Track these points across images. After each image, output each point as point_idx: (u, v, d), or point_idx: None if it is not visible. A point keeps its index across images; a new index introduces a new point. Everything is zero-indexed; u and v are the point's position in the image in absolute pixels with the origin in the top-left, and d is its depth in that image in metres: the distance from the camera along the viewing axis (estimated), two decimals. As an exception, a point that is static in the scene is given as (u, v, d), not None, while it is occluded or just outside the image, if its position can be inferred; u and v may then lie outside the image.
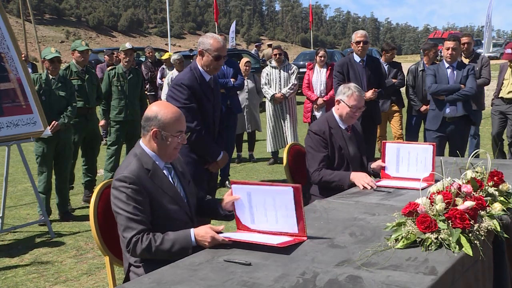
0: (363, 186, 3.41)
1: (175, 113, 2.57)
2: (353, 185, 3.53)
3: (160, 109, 2.55)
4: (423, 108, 6.78)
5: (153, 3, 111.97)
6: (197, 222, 2.62)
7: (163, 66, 10.38)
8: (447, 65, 5.63)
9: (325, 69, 7.65)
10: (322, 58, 7.69)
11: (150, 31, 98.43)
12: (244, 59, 8.48)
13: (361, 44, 5.63)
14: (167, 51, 10.53)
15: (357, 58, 5.76)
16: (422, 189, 2.41)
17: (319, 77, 7.66)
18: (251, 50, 23.07)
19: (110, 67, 6.79)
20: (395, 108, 7.52)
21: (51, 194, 5.56)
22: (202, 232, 2.37)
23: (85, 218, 5.33)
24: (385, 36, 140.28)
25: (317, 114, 7.54)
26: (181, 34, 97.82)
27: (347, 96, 3.70)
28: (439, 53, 10.71)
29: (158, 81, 10.27)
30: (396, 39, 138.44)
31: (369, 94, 5.62)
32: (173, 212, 2.54)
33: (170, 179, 2.61)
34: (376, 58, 6.48)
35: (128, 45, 6.64)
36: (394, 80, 7.24)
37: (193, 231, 2.40)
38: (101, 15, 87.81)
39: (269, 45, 18.48)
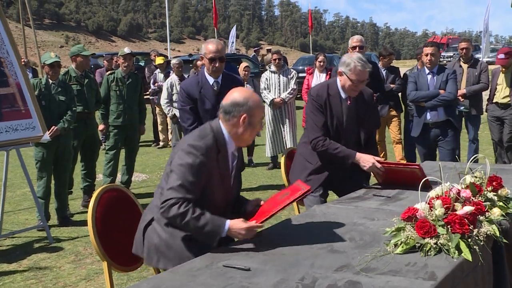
0: (368, 168, 3.46)
1: (260, 101, 2.68)
2: (355, 165, 3.55)
3: (249, 96, 2.60)
4: None
5: (152, 8, 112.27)
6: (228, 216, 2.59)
7: (156, 71, 10.35)
8: (427, 71, 5.62)
9: (324, 74, 7.68)
10: (322, 63, 7.72)
11: (150, 36, 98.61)
12: (243, 64, 8.49)
13: (357, 49, 5.62)
14: (166, 56, 10.49)
15: None
16: (421, 190, 2.40)
17: (318, 81, 7.67)
18: (250, 54, 23.10)
19: (109, 72, 6.80)
20: (394, 113, 7.53)
21: (50, 199, 5.55)
22: (237, 225, 2.39)
23: (84, 223, 5.32)
24: (384, 41, 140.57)
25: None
26: (180, 39, 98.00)
27: (349, 69, 3.55)
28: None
29: (152, 86, 10.24)
30: (395, 44, 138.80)
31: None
32: (216, 198, 2.59)
33: (230, 166, 2.65)
34: (374, 62, 6.49)
35: (127, 50, 6.66)
36: (392, 85, 7.26)
37: (228, 223, 2.40)
38: (100, 20, 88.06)
39: (268, 50, 18.49)
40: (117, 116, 6.52)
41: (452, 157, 5.41)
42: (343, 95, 3.69)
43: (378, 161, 3.51)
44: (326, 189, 3.82)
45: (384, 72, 7.27)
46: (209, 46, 4.08)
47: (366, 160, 3.52)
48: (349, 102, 3.69)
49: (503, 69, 6.88)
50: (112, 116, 6.53)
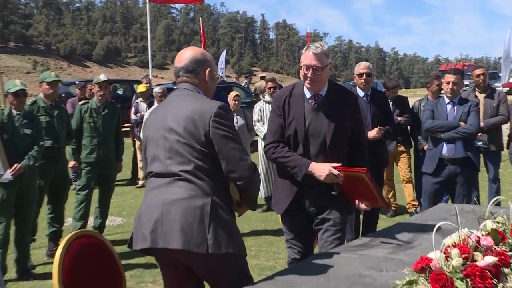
0: (325, 178, 3.38)
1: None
2: (309, 177, 3.44)
3: (204, 51, 3.08)
4: (426, 146, 6.83)
5: (132, 30, 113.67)
6: None
7: (138, 100, 10.39)
8: (447, 100, 5.68)
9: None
10: None
11: (129, 61, 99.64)
12: (233, 93, 8.56)
13: (364, 77, 5.66)
14: (146, 83, 10.55)
15: (360, 92, 5.77)
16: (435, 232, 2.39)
17: None
18: (241, 82, 23.35)
19: (82, 101, 6.82)
20: (402, 148, 7.57)
21: (7, 248, 5.39)
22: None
23: (48, 276, 5.18)
24: (392, 67, 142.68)
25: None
26: (164, 64, 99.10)
27: (302, 53, 3.55)
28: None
29: (133, 116, 10.27)
30: (403, 71, 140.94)
31: (373, 133, 5.60)
32: None
33: None
34: (382, 92, 6.55)
35: (102, 77, 6.69)
36: (399, 118, 7.26)
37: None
38: (73, 43, 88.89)
39: (262, 77, 18.69)
40: (90, 151, 6.51)
41: (470, 199, 5.41)
42: (308, 94, 3.59)
43: (335, 168, 3.40)
44: (300, 208, 3.65)
45: (390, 104, 7.29)
46: None
47: (321, 169, 3.40)
48: (313, 102, 3.57)
49: None
50: (85, 151, 6.52)
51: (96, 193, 6.75)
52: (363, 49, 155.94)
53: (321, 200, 3.58)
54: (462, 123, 5.54)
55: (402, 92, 31.27)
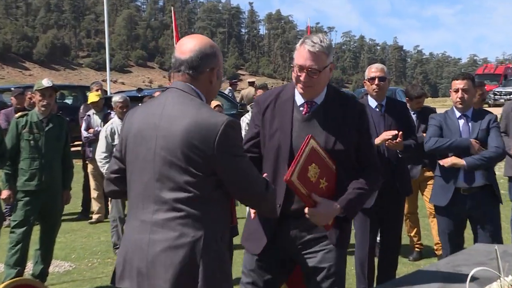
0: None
1: None
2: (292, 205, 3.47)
3: (213, 43, 3.09)
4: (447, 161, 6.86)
5: (85, 23, 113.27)
6: None
7: (90, 112, 10.33)
8: (458, 113, 5.66)
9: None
10: None
11: (81, 62, 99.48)
12: (214, 103, 8.56)
13: (376, 82, 5.61)
14: (97, 90, 10.56)
15: (372, 102, 5.73)
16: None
17: None
18: (224, 90, 23.39)
19: (19, 114, 6.78)
20: (429, 173, 7.55)
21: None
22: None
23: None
24: (414, 71, 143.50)
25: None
26: (125, 66, 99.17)
27: (296, 49, 3.52)
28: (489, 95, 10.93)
29: (84, 133, 10.21)
30: (429, 75, 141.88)
31: (381, 137, 5.44)
32: None
33: None
34: (401, 101, 6.52)
35: (46, 82, 6.59)
36: (425, 135, 7.27)
37: None
38: (7, 38, 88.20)
39: (251, 83, 18.77)
40: (29, 177, 6.48)
41: (497, 238, 5.41)
42: (299, 100, 3.56)
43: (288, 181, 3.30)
44: (275, 244, 3.55)
45: (414, 117, 7.29)
46: None
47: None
48: (304, 110, 3.54)
49: None
50: (23, 177, 6.49)
51: (36, 231, 6.71)
52: (378, 47, 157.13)
53: (305, 233, 3.48)
54: (473, 141, 5.47)
55: (428, 102, 31.08)
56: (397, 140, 5.37)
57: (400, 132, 5.40)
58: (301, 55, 3.41)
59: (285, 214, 3.44)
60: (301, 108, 3.52)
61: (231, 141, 2.81)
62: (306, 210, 3.32)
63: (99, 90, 10.96)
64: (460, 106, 5.57)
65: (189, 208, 2.77)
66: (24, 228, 6.46)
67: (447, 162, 5.53)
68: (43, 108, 6.57)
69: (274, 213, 3.20)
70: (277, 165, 3.46)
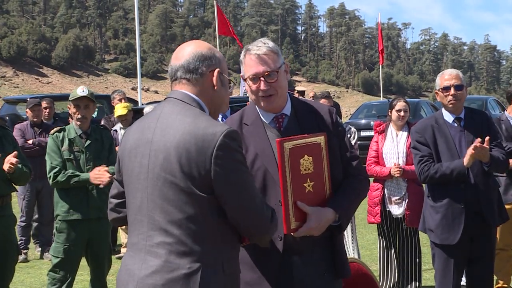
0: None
1: None
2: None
3: (212, 47, 3.21)
4: None
5: (112, 21, 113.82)
6: None
7: (116, 127, 10.16)
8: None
9: (406, 133, 7.65)
10: (402, 114, 7.70)
11: (107, 67, 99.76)
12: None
13: (452, 91, 5.53)
14: (135, 101, 10.45)
15: (448, 117, 5.67)
16: None
17: (395, 145, 7.62)
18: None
19: (55, 129, 6.60)
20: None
21: None
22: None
23: None
24: (511, 75, 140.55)
25: (394, 207, 7.42)
26: (158, 72, 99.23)
27: (241, 63, 3.76)
28: None
29: None
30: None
31: (468, 153, 5.34)
32: None
33: None
34: (480, 111, 6.35)
35: (80, 91, 6.47)
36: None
37: None
38: (23, 39, 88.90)
39: (301, 93, 18.81)
40: (74, 204, 6.39)
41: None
42: (266, 118, 3.75)
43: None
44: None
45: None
46: None
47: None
48: (278, 126, 3.73)
49: None
50: (66, 204, 6.40)
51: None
52: (465, 47, 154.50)
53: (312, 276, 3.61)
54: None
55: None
56: (485, 145, 5.26)
57: (487, 137, 5.33)
58: (250, 64, 3.61)
59: (287, 250, 3.56)
60: (272, 126, 3.71)
61: (229, 151, 2.85)
62: (295, 232, 3.44)
63: (123, 100, 10.69)
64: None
65: (185, 233, 2.84)
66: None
67: None
68: (78, 122, 6.52)
69: (267, 244, 3.31)
70: (266, 189, 3.60)
